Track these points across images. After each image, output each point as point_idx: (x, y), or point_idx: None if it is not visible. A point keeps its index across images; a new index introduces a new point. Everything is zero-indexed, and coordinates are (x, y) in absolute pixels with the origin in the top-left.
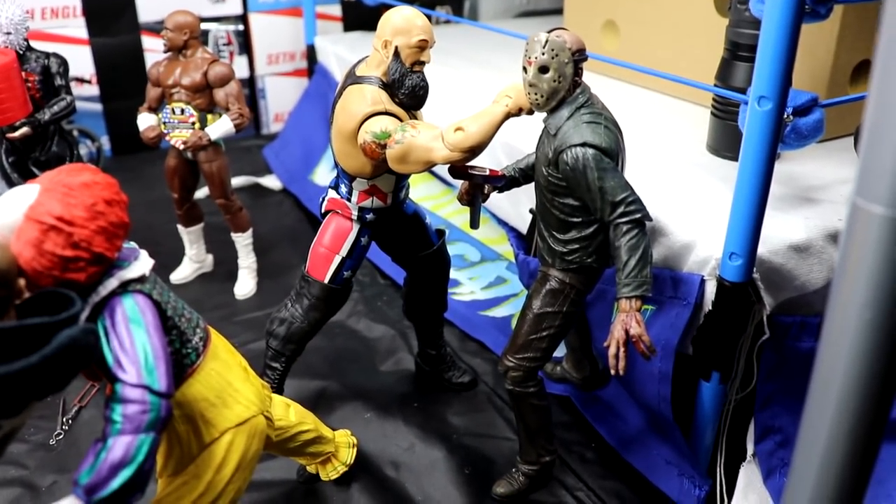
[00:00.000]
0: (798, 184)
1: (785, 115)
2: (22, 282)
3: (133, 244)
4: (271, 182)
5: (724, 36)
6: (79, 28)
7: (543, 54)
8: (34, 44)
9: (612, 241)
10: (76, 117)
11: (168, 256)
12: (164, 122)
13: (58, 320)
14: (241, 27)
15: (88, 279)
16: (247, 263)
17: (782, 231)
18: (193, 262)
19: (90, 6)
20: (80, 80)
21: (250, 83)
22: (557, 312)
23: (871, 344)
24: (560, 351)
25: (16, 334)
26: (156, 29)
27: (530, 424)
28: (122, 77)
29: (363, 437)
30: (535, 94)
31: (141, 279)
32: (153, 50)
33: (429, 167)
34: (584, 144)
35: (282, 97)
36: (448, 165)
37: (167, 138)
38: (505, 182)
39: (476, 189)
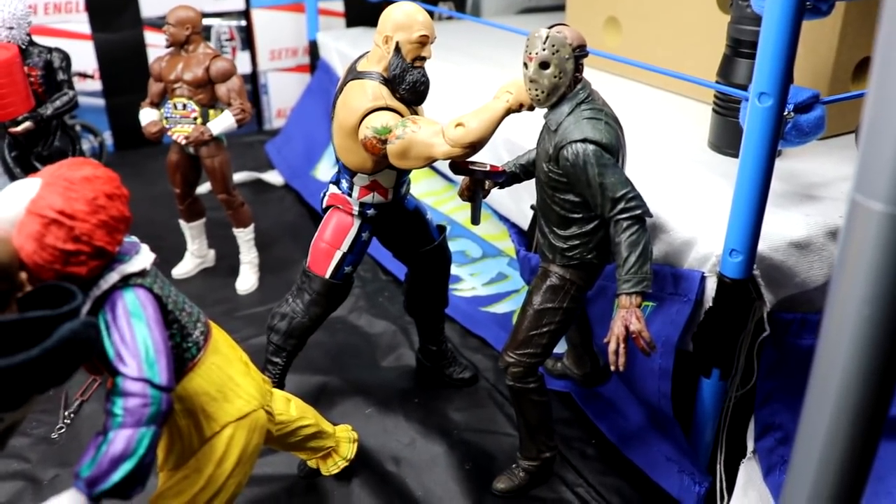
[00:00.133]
0: (799, 181)
1: (786, 112)
2: (24, 275)
3: (134, 238)
4: (273, 177)
5: (725, 32)
6: (81, 23)
7: (544, 50)
8: (37, 39)
9: (613, 237)
10: (79, 112)
11: (170, 251)
12: (166, 118)
13: (59, 314)
14: (243, 22)
15: (90, 273)
16: (248, 259)
17: (783, 228)
18: (195, 257)
19: (93, 1)
20: (83, 76)
21: (253, 79)
22: (558, 308)
23: (871, 340)
24: (560, 347)
25: (17, 327)
26: (158, 24)
27: (531, 420)
28: (125, 72)
29: (364, 432)
30: (536, 89)
31: (142, 273)
32: (155, 45)
33: (430, 163)
34: (584, 140)
35: (284, 93)
36: (449, 161)
37: (169, 133)
38: (506, 178)
39: (477, 185)
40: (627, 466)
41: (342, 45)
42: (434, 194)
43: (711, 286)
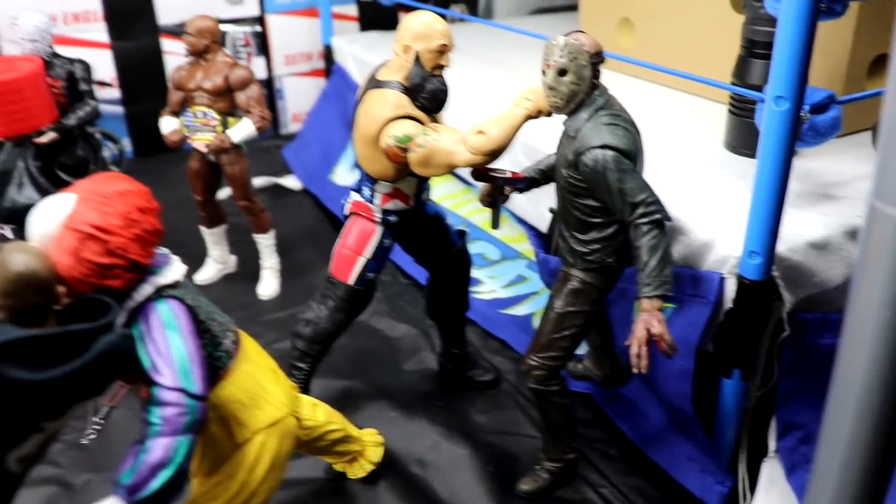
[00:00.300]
0: (815, 180)
1: (802, 114)
2: (62, 289)
3: (166, 250)
4: (291, 182)
5: (739, 33)
6: (100, 32)
7: (562, 58)
8: (57, 49)
9: (633, 241)
10: (99, 120)
11: (191, 258)
12: (187, 126)
13: (97, 326)
14: (258, 28)
15: (125, 285)
16: (270, 264)
17: (801, 228)
18: (217, 262)
19: (111, 10)
20: (102, 84)
21: (268, 84)
22: (579, 312)
23: (892, 343)
24: (582, 348)
25: (58, 340)
26: (175, 31)
27: (553, 422)
28: (143, 80)
29: (388, 435)
30: (555, 97)
31: (174, 285)
32: (172, 52)
33: (451, 170)
34: (603, 146)
35: (300, 97)
36: (471, 169)
37: (189, 141)
38: (525, 184)
39: (497, 191)
40: (650, 467)
41: (356, 49)
42: (451, 197)
43: (731, 287)
